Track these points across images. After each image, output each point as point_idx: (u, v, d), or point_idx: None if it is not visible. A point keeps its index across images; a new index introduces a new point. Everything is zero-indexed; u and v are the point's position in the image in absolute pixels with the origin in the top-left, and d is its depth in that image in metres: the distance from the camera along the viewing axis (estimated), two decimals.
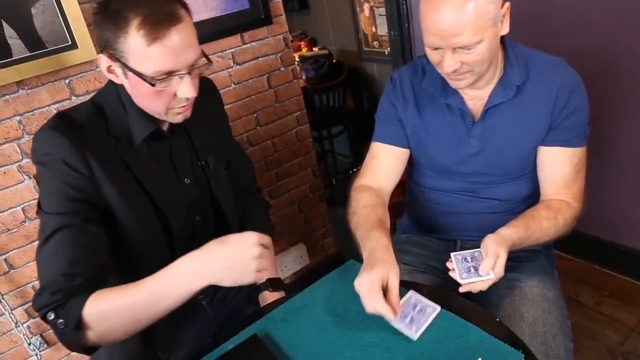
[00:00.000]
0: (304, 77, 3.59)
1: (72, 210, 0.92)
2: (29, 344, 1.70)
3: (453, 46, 1.02)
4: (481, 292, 1.23)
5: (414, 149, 1.31)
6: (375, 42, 3.39)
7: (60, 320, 0.86)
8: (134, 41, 0.88)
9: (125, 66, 0.92)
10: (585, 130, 1.17)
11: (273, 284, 1.22)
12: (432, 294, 1.01)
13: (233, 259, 0.88)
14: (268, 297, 1.20)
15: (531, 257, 1.28)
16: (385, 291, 0.93)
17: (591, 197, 1.23)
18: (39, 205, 0.96)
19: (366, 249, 1.04)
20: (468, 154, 1.22)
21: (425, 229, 1.41)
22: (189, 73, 0.95)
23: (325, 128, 3.55)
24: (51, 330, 0.95)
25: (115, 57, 0.92)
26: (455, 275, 1.01)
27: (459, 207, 1.31)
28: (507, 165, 1.21)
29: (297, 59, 3.77)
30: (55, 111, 1.54)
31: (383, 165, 1.30)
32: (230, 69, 1.87)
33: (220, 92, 1.82)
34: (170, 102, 0.98)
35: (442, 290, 1.10)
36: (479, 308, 1.00)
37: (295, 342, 0.97)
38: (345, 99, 3.65)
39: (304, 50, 3.97)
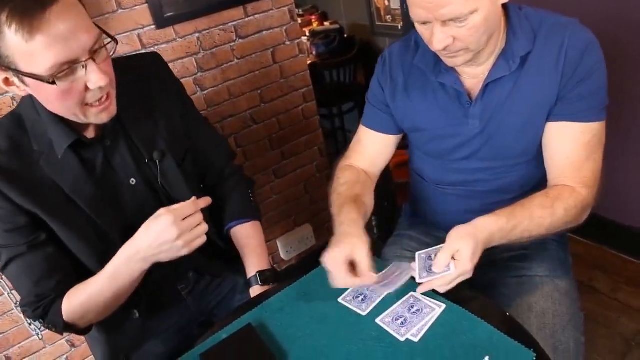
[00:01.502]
0: (314, 52, 3.51)
1: (13, 241, 0.96)
2: (30, 324, 1.69)
3: (442, 18, 0.90)
4: (488, 282, 1.18)
5: (409, 133, 1.23)
6: (389, 16, 3.28)
7: (51, 326, 0.99)
8: (11, 40, 0.77)
9: (17, 72, 0.81)
10: (601, 101, 1.01)
11: (263, 276, 1.15)
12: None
13: (156, 243, 0.91)
14: (257, 290, 1.14)
15: (542, 244, 1.20)
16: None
17: (608, 177, 1.10)
18: None
19: (336, 223, 1.03)
20: (468, 137, 1.11)
21: (430, 219, 1.34)
22: (91, 59, 0.83)
23: (335, 105, 3.48)
24: None
25: (5, 66, 0.81)
26: (415, 274, 0.94)
27: (460, 205, 1.21)
28: (511, 147, 1.10)
29: (307, 34, 3.69)
30: None
31: (368, 150, 1.25)
32: (233, 43, 1.79)
33: (223, 67, 1.82)
34: (84, 99, 0.87)
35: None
36: (487, 300, 0.94)
37: (292, 333, 0.93)
38: (357, 75, 3.56)
39: (315, 25, 3.88)
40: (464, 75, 1.08)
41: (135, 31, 1.59)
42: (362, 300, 0.96)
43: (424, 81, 1.13)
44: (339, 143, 3.60)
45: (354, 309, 0.94)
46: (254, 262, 1.17)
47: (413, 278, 0.95)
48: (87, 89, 0.86)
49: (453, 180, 1.20)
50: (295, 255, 2.24)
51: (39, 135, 0.95)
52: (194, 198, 0.95)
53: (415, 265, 0.95)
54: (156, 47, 1.64)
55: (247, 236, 1.21)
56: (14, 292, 1.62)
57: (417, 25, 0.98)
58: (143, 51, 1.62)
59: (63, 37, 0.78)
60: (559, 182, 1.04)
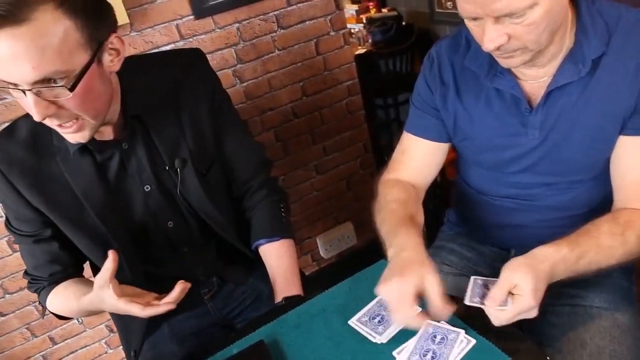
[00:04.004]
0: (370, 40, 3.41)
1: (20, 229, 1.01)
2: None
3: (494, 14, 0.76)
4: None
5: (458, 143, 1.09)
6: (449, 3, 3.11)
7: (40, 305, 1.09)
8: None
9: None
10: None
11: (291, 303, 1.06)
12: (468, 312, 0.84)
13: (115, 311, 0.97)
14: None
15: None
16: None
17: None
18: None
19: (392, 246, 0.90)
20: (525, 148, 0.97)
21: (474, 230, 1.22)
22: (32, 91, 0.75)
23: (390, 95, 3.38)
24: None
25: None
26: (465, 297, 0.82)
27: (509, 218, 1.08)
28: (575, 161, 0.96)
29: (364, 21, 3.58)
30: None
31: (415, 160, 1.11)
32: (274, 34, 1.72)
33: (263, 58, 1.75)
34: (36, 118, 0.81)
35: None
36: (526, 340, 0.81)
37: (306, 353, 0.87)
38: (414, 64, 3.42)
39: (372, 12, 3.76)
40: (522, 77, 0.94)
41: (174, 22, 1.56)
42: (379, 322, 0.87)
43: (476, 85, 0.99)
44: (393, 134, 3.49)
45: (370, 332, 0.86)
46: (282, 287, 1.08)
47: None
48: None
49: (506, 192, 1.07)
50: (335, 254, 2.17)
51: (58, 133, 0.94)
52: (148, 311, 0.90)
53: (468, 289, 0.84)
54: (194, 38, 1.60)
55: (276, 257, 1.12)
56: None
57: (466, 22, 0.85)
58: (181, 42, 1.59)
59: (4, 60, 0.71)
60: (629, 204, 0.90)
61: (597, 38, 0.86)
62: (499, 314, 0.77)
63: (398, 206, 1.01)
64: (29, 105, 0.77)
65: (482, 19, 0.79)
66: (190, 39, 1.59)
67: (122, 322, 1.19)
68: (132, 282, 1.00)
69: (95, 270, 1.10)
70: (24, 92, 0.75)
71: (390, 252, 0.90)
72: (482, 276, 1.10)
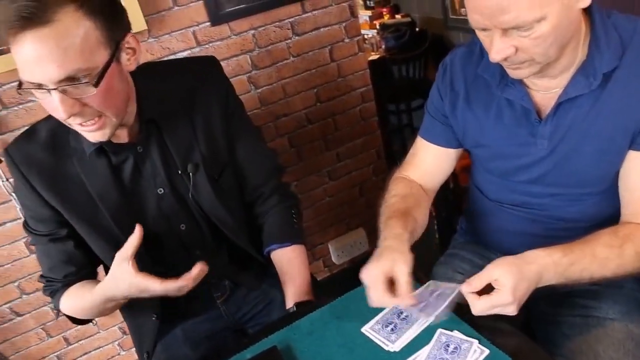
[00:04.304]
0: (383, 46, 3.42)
1: (37, 229, 1.03)
2: None
3: (502, 26, 0.77)
4: (548, 317, 1.05)
5: (469, 148, 1.11)
6: (463, 9, 3.09)
7: (54, 309, 1.12)
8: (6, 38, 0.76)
9: None
10: None
11: (304, 310, 1.06)
12: (480, 321, 0.84)
13: (128, 294, 0.95)
14: None
15: (615, 282, 1.04)
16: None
17: None
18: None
19: (381, 236, 0.97)
20: (534, 158, 0.98)
21: (486, 238, 1.21)
22: (57, 90, 0.78)
23: (403, 101, 3.39)
24: None
25: None
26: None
27: (520, 226, 1.08)
28: (584, 174, 0.96)
29: (377, 27, 3.58)
30: None
31: (425, 164, 1.15)
32: (289, 40, 1.73)
33: (278, 65, 1.77)
34: (57, 118, 0.85)
35: (492, 317, 0.90)
36: (539, 351, 0.81)
37: None
38: (427, 71, 3.42)
39: (386, 18, 3.77)
40: (534, 88, 0.95)
41: (190, 28, 1.58)
42: (392, 330, 0.88)
43: (488, 94, 1.00)
44: (405, 140, 3.49)
45: (383, 339, 0.86)
46: (293, 292, 1.09)
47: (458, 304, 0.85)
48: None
49: (516, 201, 1.07)
50: (347, 260, 2.17)
51: (78, 133, 0.96)
52: (166, 284, 0.90)
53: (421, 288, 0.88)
54: (210, 45, 1.62)
55: (287, 262, 1.13)
56: None
57: (477, 32, 0.86)
58: (198, 49, 1.60)
59: (29, 62, 0.76)
60: (636, 219, 0.90)
61: (610, 52, 0.86)
62: (475, 302, 0.80)
63: (397, 200, 1.06)
64: (55, 104, 0.79)
65: (491, 30, 0.80)
66: (207, 46, 1.61)
67: (136, 323, 1.20)
68: None
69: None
70: (49, 92, 0.79)
71: (379, 243, 0.96)
72: None
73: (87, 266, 1.08)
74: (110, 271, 0.92)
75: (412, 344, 0.84)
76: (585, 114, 0.90)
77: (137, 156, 1.01)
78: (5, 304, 1.67)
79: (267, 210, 1.18)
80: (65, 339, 1.81)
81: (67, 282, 1.06)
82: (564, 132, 0.93)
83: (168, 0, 1.52)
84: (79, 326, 1.79)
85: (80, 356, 1.86)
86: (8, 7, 0.73)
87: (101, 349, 1.89)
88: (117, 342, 1.91)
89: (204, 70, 1.10)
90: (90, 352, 1.87)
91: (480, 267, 1.16)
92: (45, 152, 0.98)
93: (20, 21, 0.72)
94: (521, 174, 1.02)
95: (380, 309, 0.92)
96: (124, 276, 0.90)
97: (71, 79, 0.78)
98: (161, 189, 1.04)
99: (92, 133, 0.89)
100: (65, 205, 0.99)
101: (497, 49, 0.80)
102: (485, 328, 0.83)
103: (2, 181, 1.49)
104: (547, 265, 0.81)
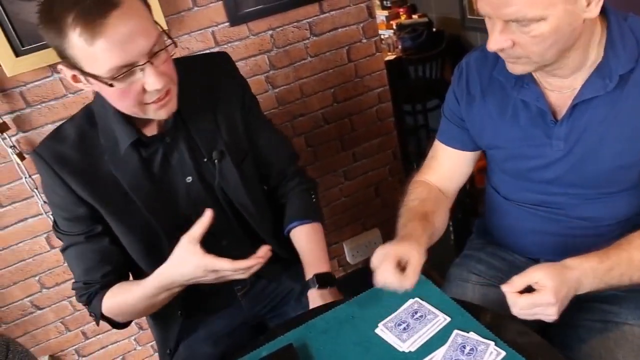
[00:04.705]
0: (399, 46, 3.40)
1: (72, 230, 1.03)
2: None
3: (504, 18, 0.80)
4: (566, 321, 1.04)
5: (487, 150, 1.11)
6: None
7: (91, 314, 1.07)
8: (76, 43, 0.81)
9: (82, 72, 0.86)
10: None
11: (321, 280, 1.11)
12: (493, 322, 0.85)
13: (188, 278, 0.95)
14: (316, 296, 1.10)
15: (635, 287, 1.02)
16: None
17: None
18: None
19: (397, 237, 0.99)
20: (550, 159, 0.98)
21: (503, 240, 1.21)
22: (149, 62, 0.85)
23: (420, 101, 3.36)
24: None
25: (72, 64, 0.85)
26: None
27: (538, 225, 1.08)
28: (602, 175, 0.95)
29: (394, 27, 3.57)
30: None
31: (443, 167, 1.16)
32: (307, 41, 1.74)
33: (295, 65, 1.78)
34: (142, 99, 0.90)
35: (508, 319, 0.90)
36: (556, 353, 0.80)
37: (334, 358, 0.88)
38: (444, 71, 3.39)
39: (403, 18, 3.74)
40: (548, 87, 0.95)
41: (210, 28, 1.59)
42: (404, 329, 0.88)
43: (503, 96, 1.01)
44: (421, 141, 3.47)
45: (394, 338, 0.87)
46: (313, 264, 1.13)
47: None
48: (144, 90, 0.88)
49: (532, 200, 1.07)
50: (361, 259, 2.17)
51: (107, 130, 1.00)
52: (237, 264, 0.92)
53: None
54: (229, 45, 1.63)
55: (307, 238, 1.18)
56: None
57: (485, 19, 0.88)
58: (216, 49, 1.62)
59: (122, 42, 0.81)
60: None
61: (626, 54, 0.86)
62: (517, 300, 0.80)
63: (416, 204, 1.08)
64: (151, 78, 0.86)
65: (494, 20, 0.82)
66: (225, 45, 1.63)
67: (160, 320, 1.20)
68: None
69: (137, 277, 1.11)
70: (141, 70, 0.85)
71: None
72: None
73: (122, 267, 1.08)
74: (174, 254, 0.93)
75: (428, 344, 0.84)
76: (602, 116, 0.90)
77: (166, 147, 1.04)
78: (26, 297, 1.71)
79: (289, 191, 1.23)
80: (84, 333, 1.85)
81: (106, 283, 1.05)
82: (579, 134, 0.93)
83: (188, 1, 1.54)
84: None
85: (98, 350, 1.90)
86: (82, 3, 0.78)
87: (118, 343, 1.92)
88: (133, 337, 1.94)
89: (220, 66, 1.15)
90: (107, 346, 1.90)
91: (495, 269, 1.17)
92: (75, 150, 0.99)
93: (101, 8, 0.78)
94: (537, 174, 1.02)
95: (396, 309, 0.92)
96: (190, 258, 0.91)
97: (153, 53, 0.86)
98: (189, 177, 1.07)
99: (165, 108, 0.93)
100: (100, 201, 1.00)
101: (495, 40, 0.83)
102: (502, 330, 0.83)
103: (25, 178, 1.53)
104: (586, 271, 0.82)
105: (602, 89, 0.88)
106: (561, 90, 0.93)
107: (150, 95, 0.90)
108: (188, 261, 0.92)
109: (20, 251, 1.64)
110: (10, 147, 1.47)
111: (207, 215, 0.91)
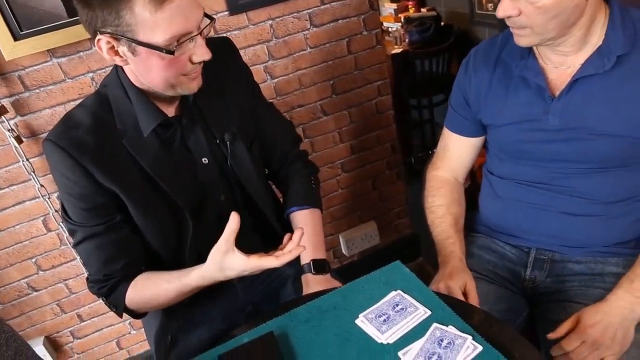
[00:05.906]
0: (407, 40, 3.37)
1: (89, 221, 1.00)
2: None
3: None
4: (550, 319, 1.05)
5: (490, 129, 1.17)
6: (490, 5, 3.04)
7: (112, 306, 1.07)
8: (140, 11, 0.84)
9: (133, 41, 0.87)
10: None
11: (317, 266, 1.14)
12: (485, 323, 0.85)
13: (234, 277, 0.99)
14: (311, 281, 1.12)
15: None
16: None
17: None
18: (62, 210, 1.03)
19: (441, 255, 1.15)
20: (545, 134, 1.03)
21: (495, 228, 1.23)
22: (199, 34, 0.91)
23: (425, 96, 3.35)
24: None
25: (119, 35, 0.87)
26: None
27: (534, 202, 1.11)
28: (598, 152, 1.00)
29: (402, 20, 3.54)
30: None
31: (455, 155, 1.26)
32: (307, 32, 1.73)
33: (295, 56, 1.77)
34: (185, 70, 0.94)
35: (488, 314, 0.91)
36: (533, 349, 0.80)
37: (314, 348, 0.89)
38: (451, 65, 3.36)
39: (411, 11, 3.71)
40: (549, 64, 1.02)
41: None
42: (384, 321, 0.88)
43: (508, 76, 1.08)
44: (426, 135, 3.45)
45: (373, 330, 0.87)
46: (309, 250, 1.14)
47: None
48: (189, 62, 0.93)
49: (530, 177, 1.12)
50: (357, 252, 2.17)
51: (124, 114, 1.00)
52: (283, 258, 0.94)
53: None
54: (228, 34, 1.63)
55: (305, 223, 1.19)
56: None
57: None
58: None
59: (184, 11, 0.86)
60: None
61: (625, 37, 0.93)
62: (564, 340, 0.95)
63: (444, 212, 1.21)
64: (202, 48, 0.92)
65: None
66: (224, 34, 1.62)
67: (157, 316, 1.20)
68: (188, 259, 1.08)
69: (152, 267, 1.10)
70: (193, 40, 0.90)
71: (440, 258, 1.14)
72: (503, 279, 1.17)
73: (141, 256, 1.07)
74: (214, 260, 0.94)
75: (407, 336, 0.85)
76: (598, 93, 0.96)
77: (183, 128, 1.06)
78: (23, 278, 1.73)
79: (291, 174, 1.26)
80: (79, 316, 1.87)
81: (126, 274, 1.04)
82: (573, 110, 0.98)
83: None
84: (93, 302, 1.86)
85: (92, 333, 1.92)
86: None
87: (113, 326, 1.94)
88: (128, 321, 1.96)
89: (225, 52, 1.16)
90: (102, 329, 1.93)
91: (487, 262, 1.19)
92: (91, 136, 0.97)
93: None
94: (535, 151, 1.07)
95: (378, 300, 0.93)
96: (234, 265, 0.94)
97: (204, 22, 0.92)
98: (205, 158, 1.08)
99: (196, 80, 0.98)
100: (123, 187, 0.99)
101: (504, 7, 0.91)
102: (481, 324, 0.83)
103: (23, 161, 1.54)
104: (631, 298, 0.94)
105: (600, 67, 0.95)
106: (562, 66, 1.00)
107: (193, 67, 0.94)
108: (231, 268, 0.95)
109: (17, 233, 1.66)
110: (8, 130, 1.48)
111: (234, 220, 0.91)
